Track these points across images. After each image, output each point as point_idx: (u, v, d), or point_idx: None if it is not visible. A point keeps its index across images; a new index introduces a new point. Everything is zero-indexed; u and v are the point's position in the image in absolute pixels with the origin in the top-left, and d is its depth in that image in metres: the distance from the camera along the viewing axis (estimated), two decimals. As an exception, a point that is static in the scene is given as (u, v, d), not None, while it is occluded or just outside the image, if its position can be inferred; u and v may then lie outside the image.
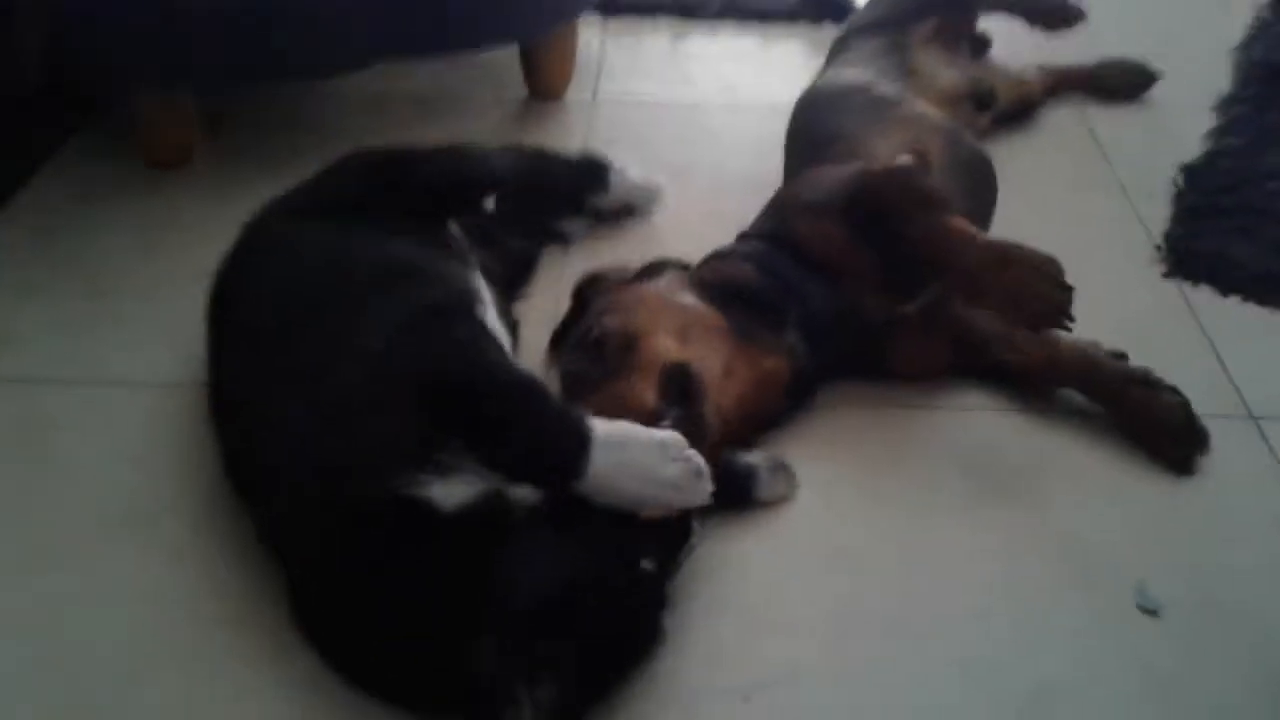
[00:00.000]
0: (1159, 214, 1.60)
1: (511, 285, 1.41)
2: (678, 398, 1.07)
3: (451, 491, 0.93)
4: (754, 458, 1.16)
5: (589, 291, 1.30)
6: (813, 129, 1.52)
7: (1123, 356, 1.26)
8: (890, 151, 1.36)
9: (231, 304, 1.21)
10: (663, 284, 1.25)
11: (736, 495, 1.13)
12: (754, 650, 1.02)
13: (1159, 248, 1.54)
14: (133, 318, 1.41)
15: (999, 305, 1.18)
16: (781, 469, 1.17)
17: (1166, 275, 1.49)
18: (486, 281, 1.26)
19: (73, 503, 1.16)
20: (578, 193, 1.56)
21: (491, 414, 0.96)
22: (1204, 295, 1.45)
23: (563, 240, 1.55)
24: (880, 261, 1.24)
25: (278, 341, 1.10)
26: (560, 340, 1.30)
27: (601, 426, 0.96)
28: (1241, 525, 1.14)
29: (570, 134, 1.80)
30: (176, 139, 1.70)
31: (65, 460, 1.21)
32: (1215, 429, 1.21)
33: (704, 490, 0.97)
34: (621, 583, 0.93)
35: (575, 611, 0.90)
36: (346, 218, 1.25)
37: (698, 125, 1.85)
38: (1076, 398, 1.27)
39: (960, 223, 1.20)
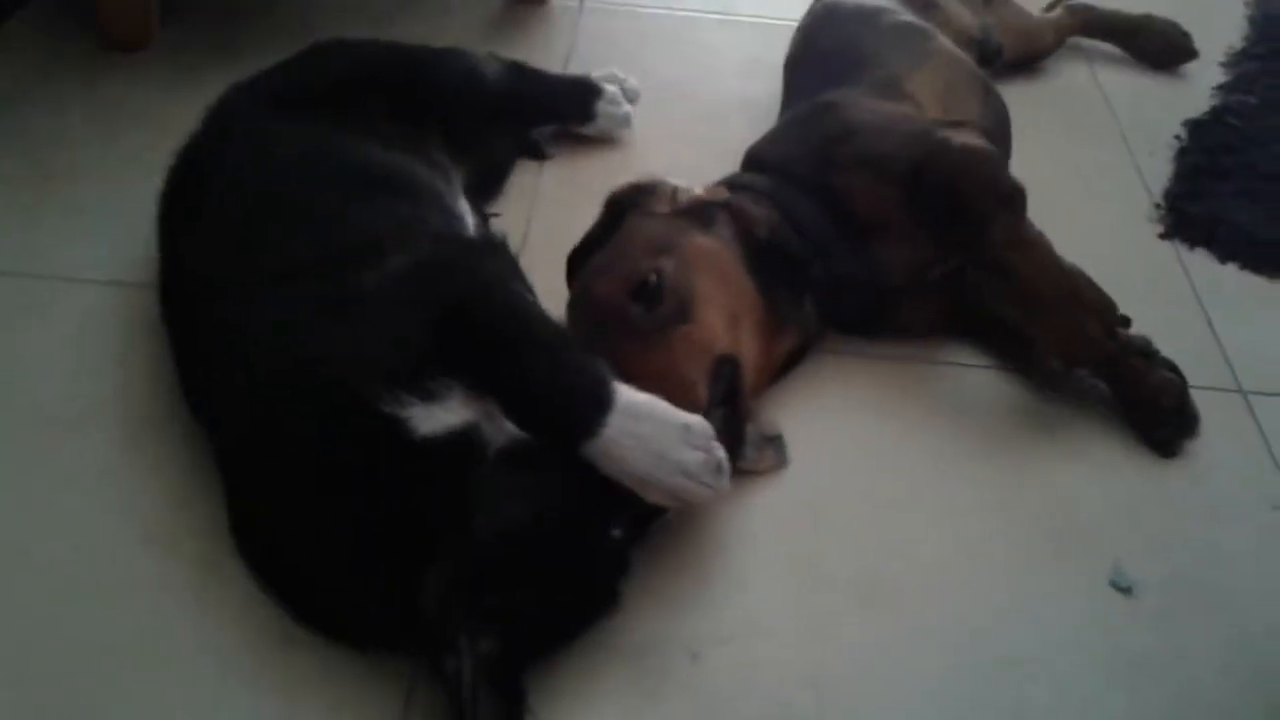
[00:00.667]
0: (1161, 170, 1.55)
1: (481, 197, 1.33)
2: (722, 395, 0.99)
3: (431, 417, 0.87)
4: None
5: (626, 206, 1.15)
6: (832, 48, 1.40)
7: (1125, 322, 1.20)
8: (931, 96, 1.29)
9: (195, 196, 1.12)
10: (721, 242, 1.11)
11: None
12: (707, 606, 0.98)
13: (1158, 206, 1.48)
14: (88, 208, 1.33)
15: (1046, 333, 1.14)
16: (770, 442, 1.11)
17: (1163, 236, 1.44)
18: (466, 199, 1.19)
19: (3, 403, 1.09)
20: (561, 117, 1.48)
21: (513, 357, 0.90)
22: (1200, 260, 1.41)
23: (538, 154, 1.47)
24: (918, 227, 1.16)
25: (256, 239, 1.03)
26: (582, 255, 1.16)
27: (626, 394, 0.89)
28: (1223, 504, 1.11)
29: (553, 43, 1.71)
30: (134, 18, 1.58)
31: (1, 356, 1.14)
32: (1202, 402, 1.17)
33: (720, 486, 0.90)
34: (585, 546, 0.88)
35: (530, 566, 0.85)
36: (321, 112, 1.17)
37: (689, 40, 1.77)
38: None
39: (1043, 242, 1.13)
